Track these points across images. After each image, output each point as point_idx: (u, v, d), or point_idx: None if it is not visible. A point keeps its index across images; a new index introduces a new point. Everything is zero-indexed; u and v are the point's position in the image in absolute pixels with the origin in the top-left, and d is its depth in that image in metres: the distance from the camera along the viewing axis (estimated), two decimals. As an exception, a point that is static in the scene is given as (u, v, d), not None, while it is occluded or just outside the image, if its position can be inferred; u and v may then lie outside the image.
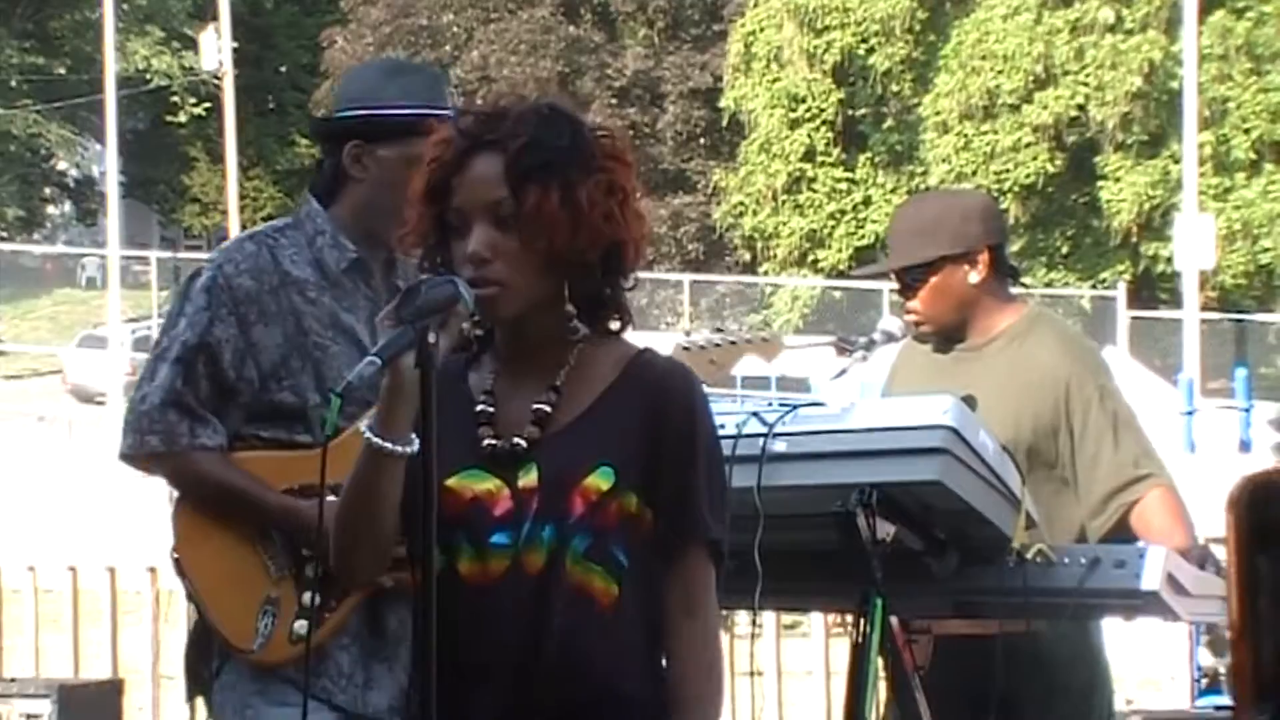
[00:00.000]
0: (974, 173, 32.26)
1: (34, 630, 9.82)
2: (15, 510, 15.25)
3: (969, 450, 3.83)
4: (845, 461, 3.85)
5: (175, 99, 44.30)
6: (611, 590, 2.95)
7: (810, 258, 34.89)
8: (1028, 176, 32.54)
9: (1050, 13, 32.68)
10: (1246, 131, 32.15)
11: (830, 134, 35.13)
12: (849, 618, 4.09)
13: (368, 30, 39.30)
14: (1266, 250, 31.94)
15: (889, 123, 35.10)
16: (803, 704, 9.63)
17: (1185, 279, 27.65)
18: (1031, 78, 32.46)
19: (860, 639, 3.94)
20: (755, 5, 36.02)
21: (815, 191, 34.92)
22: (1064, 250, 33.69)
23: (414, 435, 2.87)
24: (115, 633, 9.56)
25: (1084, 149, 33.00)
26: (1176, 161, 30.38)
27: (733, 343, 4.32)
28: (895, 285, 4.69)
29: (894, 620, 3.96)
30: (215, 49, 39.16)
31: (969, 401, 3.93)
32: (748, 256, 35.97)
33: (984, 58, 32.81)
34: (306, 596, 3.90)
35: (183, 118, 44.69)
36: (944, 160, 32.82)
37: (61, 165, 49.56)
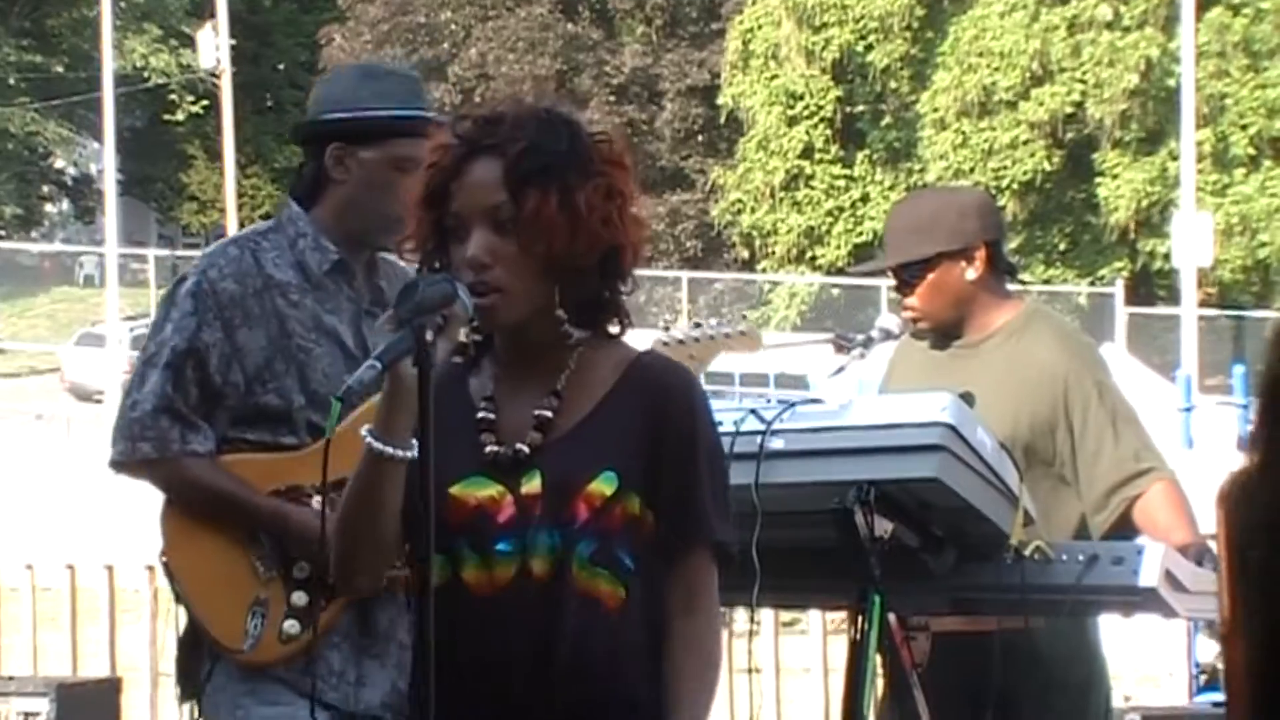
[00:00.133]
0: (972, 170, 32.26)
1: (32, 628, 9.82)
2: (13, 508, 15.27)
3: (967, 447, 3.83)
4: (843, 459, 3.85)
5: (173, 97, 44.25)
6: (618, 593, 2.95)
7: (808, 255, 34.90)
8: (1025, 173, 32.54)
9: (1048, 10, 32.68)
10: (1244, 128, 32.16)
11: (828, 131, 35.14)
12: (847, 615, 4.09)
13: (366, 28, 39.31)
14: (1264, 245, 31.95)
15: (887, 120, 35.11)
16: (801, 701, 9.62)
17: (1183, 276, 27.64)
18: (1029, 75, 32.46)
19: (858, 636, 3.93)
20: (753, 2, 36.02)
21: (813, 189, 34.93)
22: (1062, 247, 33.70)
23: (414, 440, 2.87)
24: (113, 631, 9.56)
25: (1082, 146, 33.01)
26: (1174, 158, 30.38)
27: (711, 337, 4.32)
28: (893, 282, 4.69)
29: (892, 617, 3.96)
30: (213, 47, 39.14)
31: (967, 398, 3.93)
32: (746, 254, 35.97)
33: (981, 54, 32.81)
34: (297, 596, 3.92)
35: (180, 115, 44.63)
36: (942, 157, 32.83)
37: (59, 163, 49.55)
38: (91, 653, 9.72)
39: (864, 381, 5.06)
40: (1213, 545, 4.21)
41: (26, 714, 7.77)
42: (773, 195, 34.83)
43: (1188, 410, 18.26)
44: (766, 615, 8.83)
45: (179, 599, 4.02)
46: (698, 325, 4.31)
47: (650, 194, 34.32)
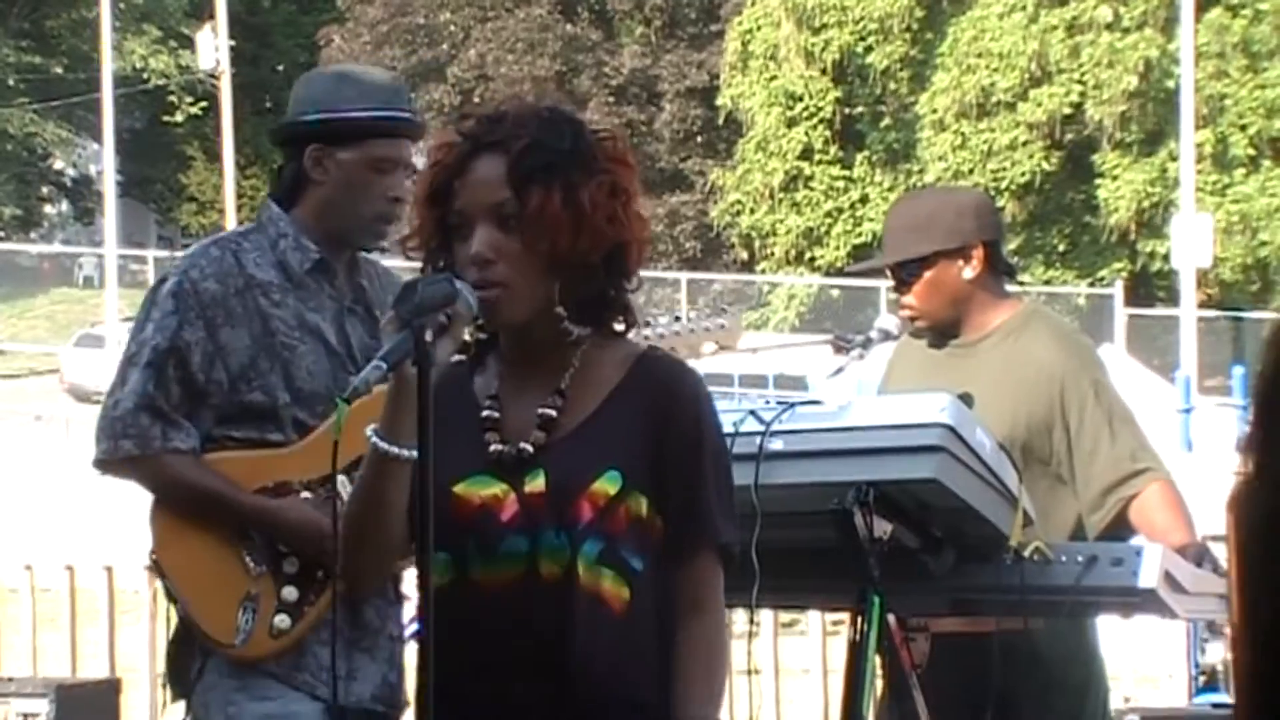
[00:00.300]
0: (971, 171, 32.26)
1: (31, 629, 9.82)
2: (12, 509, 15.25)
3: (966, 448, 3.83)
4: (842, 459, 3.85)
5: (172, 98, 44.27)
6: (623, 594, 2.94)
7: (807, 256, 34.90)
8: (1024, 175, 32.54)
9: (1047, 11, 32.68)
10: (1243, 128, 32.15)
11: (827, 132, 35.15)
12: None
13: (365, 29, 39.33)
14: (1264, 245, 31.95)
15: (886, 121, 35.10)
16: (800, 702, 9.63)
17: (1183, 277, 27.64)
18: (1028, 76, 32.46)
19: (858, 637, 3.93)
20: (752, 3, 36.02)
21: (812, 190, 34.93)
22: (1061, 248, 33.70)
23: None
24: (113, 632, 9.56)
25: (1081, 147, 33.01)
26: (1174, 159, 30.37)
27: (692, 330, 4.31)
28: (891, 283, 4.70)
29: (891, 618, 3.96)
30: (212, 48, 39.17)
31: (966, 399, 3.93)
32: (745, 255, 35.97)
33: (980, 56, 32.81)
34: (288, 591, 3.93)
35: (180, 117, 44.66)
36: (941, 158, 32.82)
37: (58, 164, 49.56)
38: (91, 654, 9.72)
39: (863, 382, 5.06)
40: (1211, 546, 4.23)
41: (26, 715, 7.77)
42: (772, 196, 34.83)
43: (1187, 411, 18.27)
44: (766, 616, 8.83)
45: (170, 596, 4.04)
46: (677, 319, 4.31)
47: (649, 195, 34.30)
